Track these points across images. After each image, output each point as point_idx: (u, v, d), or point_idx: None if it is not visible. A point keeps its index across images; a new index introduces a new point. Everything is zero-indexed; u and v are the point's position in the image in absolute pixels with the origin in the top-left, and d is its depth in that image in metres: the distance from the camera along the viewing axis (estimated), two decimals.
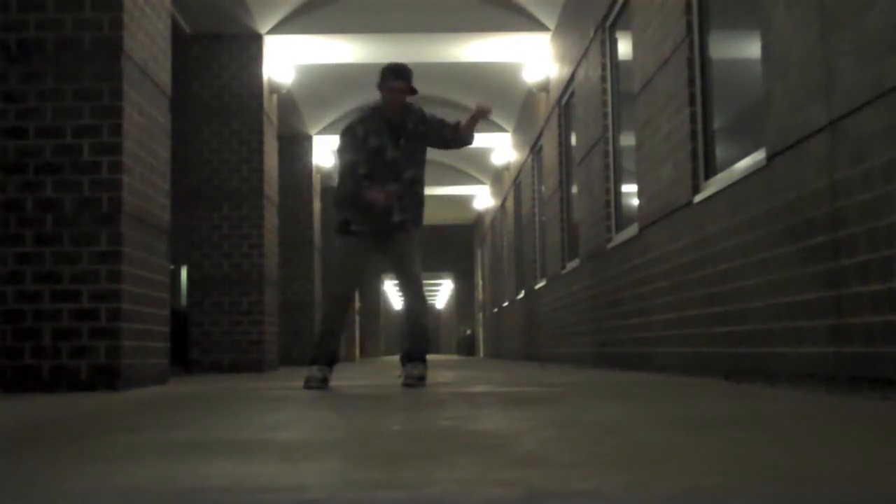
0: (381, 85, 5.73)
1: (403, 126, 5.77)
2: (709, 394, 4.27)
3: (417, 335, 5.79)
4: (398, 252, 5.78)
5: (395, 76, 5.70)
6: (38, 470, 1.93)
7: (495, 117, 16.69)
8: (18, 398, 4.80)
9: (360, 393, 5.03)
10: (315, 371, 5.61)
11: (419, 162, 5.87)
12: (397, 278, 5.86)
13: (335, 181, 6.01)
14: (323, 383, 5.57)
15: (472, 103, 6.02)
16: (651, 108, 7.27)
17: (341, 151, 5.78)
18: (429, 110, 6.06)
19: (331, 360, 5.69)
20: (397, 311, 59.42)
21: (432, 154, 17.71)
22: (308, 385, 5.53)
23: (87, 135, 5.60)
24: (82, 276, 5.52)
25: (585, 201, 10.28)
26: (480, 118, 5.95)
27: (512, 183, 17.79)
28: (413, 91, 5.76)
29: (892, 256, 3.63)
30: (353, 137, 5.71)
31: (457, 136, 5.99)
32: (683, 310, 6.45)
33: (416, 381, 5.62)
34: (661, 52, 6.95)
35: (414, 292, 5.78)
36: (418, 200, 5.88)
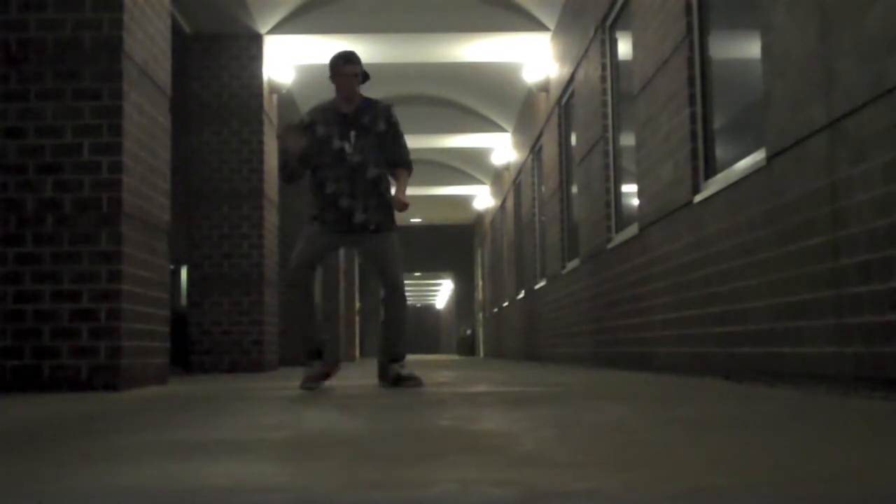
0: (333, 74, 5.62)
1: (357, 120, 5.64)
2: (709, 394, 4.27)
3: (393, 336, 5.73)
4: (375, 256, 5.70)
5: (345, 61, 5.59)
6: (38, 470, 1.93)
7: (496, 117, 16.70)
8: (18, 398, 4.80)
9: (359, 393, 5.03)
10: (307, 370, 5.55)
11: (381, 162, 5.66)
12: (380, 281, 5.79)
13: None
14: (314, 382, 5.49)
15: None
16: (651, 108, 7.27)
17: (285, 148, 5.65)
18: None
19: (318, 353, 5.60)
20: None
21: (431, 154, 17.82)
22: (303, 385, 5.47)
23: (87, 135, 5.60)
24: (82, 276, 5.52)
25: (585, 201, 10.28)
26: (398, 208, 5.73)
27: (512, 183, 17.79)
28: (365, 76, 5.65)
29: (892, 256, 3.63)
30: (302, 126, 5.61)
31: (394, 173, 5.77)
32: (683, 310, 6.45)
33: (414, 380, 5.62)
34: (661, 52, 6.96)
35: (391, 295, 5.73)
36: (385, 203, 5.67)
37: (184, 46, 11.18)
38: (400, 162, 5.75)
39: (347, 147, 5.60)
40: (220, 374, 9.85)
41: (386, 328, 5.79)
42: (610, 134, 9.37)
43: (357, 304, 26.66)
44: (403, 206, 5.67)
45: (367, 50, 12.25)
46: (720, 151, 6.09)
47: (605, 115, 9.42)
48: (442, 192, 22.79)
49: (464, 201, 24.83)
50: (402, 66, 13.29)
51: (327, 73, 5.75)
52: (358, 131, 5.62)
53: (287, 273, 5.74)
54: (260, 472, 1.84)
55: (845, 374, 4.05)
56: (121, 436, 2.68)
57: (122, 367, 5.53)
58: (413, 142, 17.27)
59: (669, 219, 6.78)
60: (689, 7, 6.42)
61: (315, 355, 5.57)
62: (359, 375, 8.40)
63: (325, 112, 5.69)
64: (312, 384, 5.46)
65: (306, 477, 1.78)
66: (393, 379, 5.67)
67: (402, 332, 5.76)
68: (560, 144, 12.35)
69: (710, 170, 6.16)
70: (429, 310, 61.10)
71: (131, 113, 5.80)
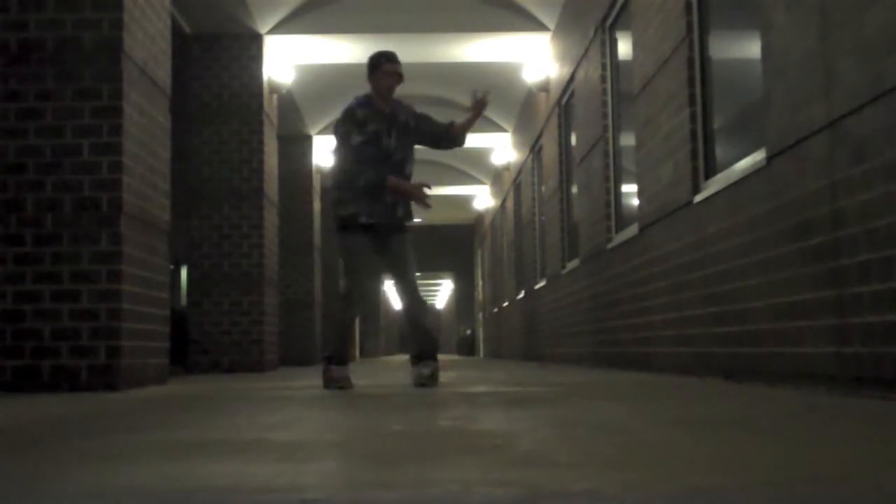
0: (374, 71, 5.73)
1: (395, 117, 5.76)
2: (709, 394, 4.27)
3: (421, 336, 5.76)
4: (396, 254, 5.73)
5: (388, 60, 5.75)
6: (38, 470, 1.93)
7: (496, 117, 16.68)
8: (18, 398, 4.80)
9: (360, 393, 5.03)
10: (336, 371, 5.58)
11: (412, 157, 5.87)
12: (395, 280, 5.78)
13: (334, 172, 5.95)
14: (346, 382, 5.55)
15: (469, 98, 5.92)
16: (651, 108, 7.27)
17: (345, 135, 5.65)
18: (422, 109, 6.07)
19: (345, 361, 5.69)
20: (397, 311, 59.24)
21: (431, 154, 17.87)
22: (330, 385, 5.51)
23: (87, 135, 5.60)
24: (82, 276, 5.52)
25: (585, 201, 10.28)
26: (481, 110, 5.89)
27: (512, 183, 17.79)
28: (402, 77, 5.81)
29: (892, 256, 3.63)
30: (355, 120, 5.66)
31: (450, 137, 5.98)
32: (683, 310, 6.45)
33: (427, 381, 5.59)
34: (661, 52, 6.95)
35: (412, 295, 5.74)
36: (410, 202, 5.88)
37: (184, 46, 11.18)
38: (446, 125, 6.01)
39: (392, 145, 5.70)
40: (220, 374, 9.85)
41: (411, 331, 5.84)
42: (610, 134, 9.36)
43: None
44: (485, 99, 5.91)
45: (367, 50, 12.17)
46: (720, 151, 6.09)
47: (605, 115, 9.42)
48: (442, 192, 22.77)
49: (464, 201, 24.82)
50: (403, 65, 13.27)
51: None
52: (399, 129, 5.75)
53: (352, 284, 5.69)
54: (260, 472, 1.84)
55: (845, 374, 4.05)
56: (121, 436, 2.68)
57: (122, 367, 5.53)
58: None
59: (669, 219, 6.77)
60: (689, 7, 6.42)
61: (342, 362, 5.63)
62: (359, 376, 8.40)
63: (370, 108, 5.74)
64: (334, 385, 5.52)
65: (306, 477, 1.78)
66: (416, 379, 5.65)
67: (426, 333, 5.80)
68: (560, 144, 12.35)
69: (710, 170, 6.16)
70: (428, 309, 61.15)
71: (131, 113, 5.80)
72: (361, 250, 5.65)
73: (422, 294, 5.84)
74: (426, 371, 5.61)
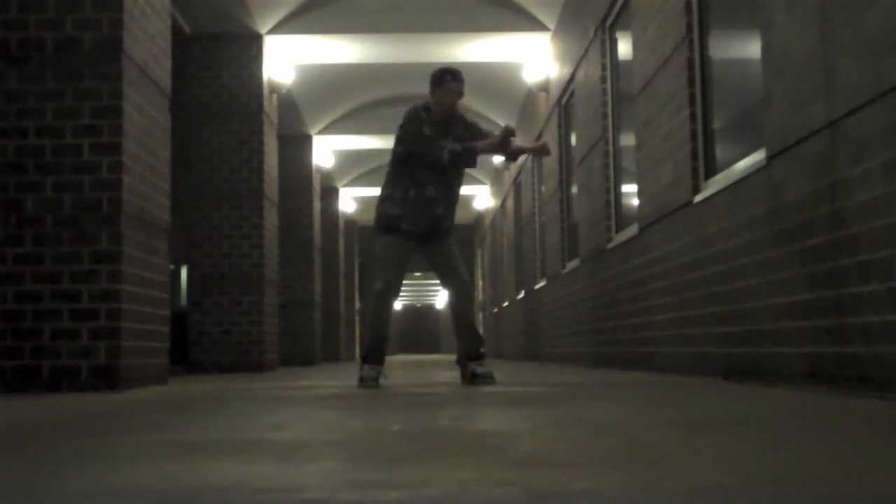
0: (437, 86, 5.80)
1: (451, 129, 5.84)
2: (709, 394, 4.27)
3: (472, 335, 5.86)
4: (446, 256, 5.87)
5: (453, 78, 5.80)
6: (38, 470, 1.93)
7: (495, 117, 16.68)
8: (18, 398, 4.80)
9: (360, 393, 5.03)
10: (368, 370, 5.68)
11: (462, 171, 5.96)
12: (446, 282, 5.89)
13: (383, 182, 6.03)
14: (376, 382, 5.65)
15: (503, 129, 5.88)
16: (651, 108, 7.27)
17: (413, 133, 5.69)
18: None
19: (382, 358, 5.76)
20: (397, 311, 59.25)
21: None
22: (364, 384, 5.61)
23: (87, 135, 5.60)
24: (82, 276, 5.52)
25: (585, 201, 10.28)
26: (502, 142, 5.84)
27: (512, 183, 17.79)
28: (462, 96, 5.87)
29: (892, 256, 3.63)
30: (419, 120, 5.72)
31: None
32: (683, 310, 6.45)
33: (488, 378, 5.69)
34: (661, 52, 6.95)
35: (464, 295, 5.87)
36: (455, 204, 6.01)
37: (184, 46, 11.18)
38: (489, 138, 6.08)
39: (446, 157, 5.73)
40: (220, 374, 9.85)
41: (461, 329, 5.90)
42: (610, 134, 9.36)
43: (357, 304, 26.67)
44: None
45: (367, 50, 12.24)
46: (720, 151, 6.09)
47: (605, 115, 9.42)
48: None
49: (464, 201, 24.83)
50: (403, 66, 13.28)
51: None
52: (454, 140, 5.78)
53: (379, 283, 5.80)
54: (260, 472, 1.84)
55: (845, 374, 4.05)
56: (121, 436, 2.68)
57: (122, 367, 5.53)
58: None
59: (669, 219, 6.77)
60: (689, 7, 6.42)
61: (371, 361, 5.72)
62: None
63: (429, 118, 5.79)
64: (372, 383, 5.62)
65: (306, 477, 1.78)
66: (469, 377, 5.76)
67: (477, 331, 5.92)
68: (560, 144, 12.35)
69: (710, 170, 6.16)
70: (429, 310, 61.11)
71: (131, 113, 5.80)
72: (392, 252, 5.77)
73: (474, 291, 5.96)
74: (481, 370, 5.74)
